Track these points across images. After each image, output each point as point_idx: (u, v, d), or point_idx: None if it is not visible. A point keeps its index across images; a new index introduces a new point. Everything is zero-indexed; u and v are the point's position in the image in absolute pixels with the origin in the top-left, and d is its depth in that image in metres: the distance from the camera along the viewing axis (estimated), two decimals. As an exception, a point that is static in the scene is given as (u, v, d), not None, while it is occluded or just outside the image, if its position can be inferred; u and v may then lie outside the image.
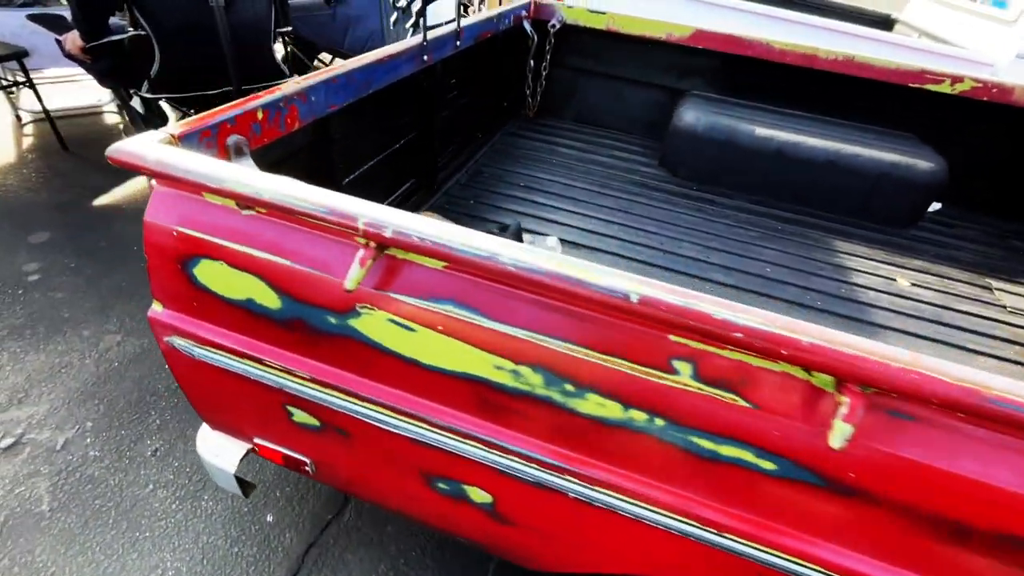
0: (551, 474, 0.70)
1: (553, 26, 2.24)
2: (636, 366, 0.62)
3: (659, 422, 0.63)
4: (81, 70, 2.54)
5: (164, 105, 2.34)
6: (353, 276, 0.63)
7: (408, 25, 1.48)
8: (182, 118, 2.60)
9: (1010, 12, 2.78)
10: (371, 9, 3.13)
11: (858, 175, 1.93)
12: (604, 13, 2.19)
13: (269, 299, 0.74)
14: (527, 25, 2.19)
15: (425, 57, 1.47)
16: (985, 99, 1.91)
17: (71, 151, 3.02)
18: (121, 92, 2.59)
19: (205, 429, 1.08)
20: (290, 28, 2.59)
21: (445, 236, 0.59)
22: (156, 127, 2.74)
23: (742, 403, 0.59)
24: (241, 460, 1.04)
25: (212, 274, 0.75)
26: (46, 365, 1.80)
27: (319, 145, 1.18)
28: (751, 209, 1.99)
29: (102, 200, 2.66)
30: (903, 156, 1.90)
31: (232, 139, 0.84)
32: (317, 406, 0.81)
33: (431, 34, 1.52)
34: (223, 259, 0.73)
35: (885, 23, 4.20)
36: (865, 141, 1.95)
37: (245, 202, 0.67)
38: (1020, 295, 1.71)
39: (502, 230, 1.49)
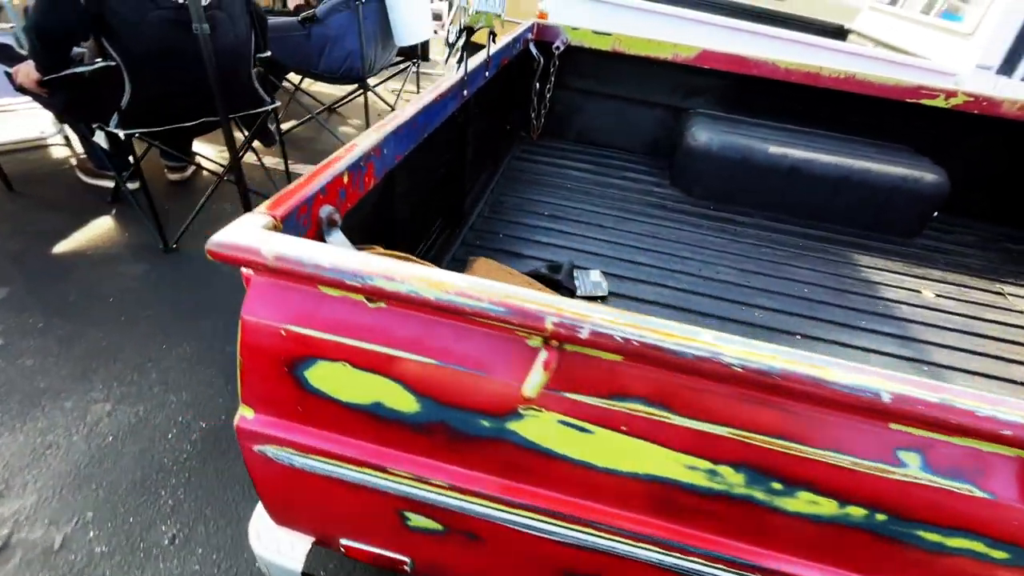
0: (744, 575, 0.63)
1: (558, 48, 2.19)
2: (858, 460, 0.56)
3: (880, 517, 0.57)
4: (24, 99, 2.28)
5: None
6: (535, 383, 0.55)
7: (450, 59, 1.38)
8: (147, 151, 2.38)
9: (966, 25, 2.97)
10: (349, 30, 2.98)
11: (870, 189, 1.99)
12: (610, 34, 2.17)
13: (403, 402, 0.63)
14: (532, 48, 2.14)
15: (465, 92, 1.38)
16: (976, 112, 2.01)
17: (16, 190, 2.70)
18: (81, 127, 2.33)
19: (259, 523, 0.94)
20: (269, 53, 2.42)
21: (653, 336, 0.52)
22: (121, 165, 2.49)
23: (978, 493, 0.55)
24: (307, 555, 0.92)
25: (330, 377, 0.64)
26: (26, 448, 1.57)
27: (384, 200, 1.07)
28: (770, 227, 2.01)
29: (62, 246, 2.38)
30: (910, 170, 1.97)
31: (325, 211, 0.73)
32: (446, 512, 0.71)
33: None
34: (347, 360, 0.62)
35: (839, 33, 4.44)
36: (872, 156, 2.01)
37: (394, 301, 0.57)
38: (1029, 299, 1.80)
39: (553, 270, 1.42)
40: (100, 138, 2.22)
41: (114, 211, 2.66)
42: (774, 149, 2.00)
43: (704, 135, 2.06)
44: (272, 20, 2.81)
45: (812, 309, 1.58)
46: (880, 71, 2.97)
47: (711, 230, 1.94)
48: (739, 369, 0.51)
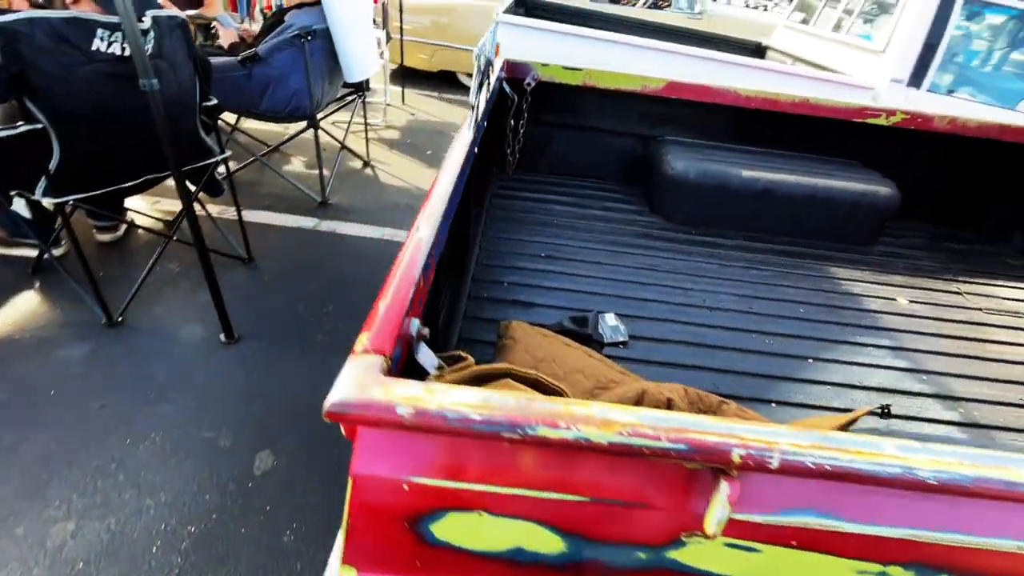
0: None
1: (529, 84, 2.18)
2: None
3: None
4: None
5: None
6: (719, 519, 0.50)
7: (470, 121, 1.32)
8: (73, 211, 2.09)
9: (878, 43, 3.29)
10: (294, 67, 2.82)
11: (834, 205, 2.12)
12: (580, 69, 2.19)
13: (547, 543, 0.57)
14: (505, 86, 2.11)
15: (476, 147, 1.32)
16: (913, 128, 2.21)
17: (-94, 271, 2.30)
18: (-3, 196, 2.03)
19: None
20: (215, 102, 2.24)
21: (845, 457, 0.49)
22: (43, 232, 2.19)
23: None
24: None
25: (460, 527, 0.56)
26: (-27, 596, 1.31)
27: (434, 287, 0.98)
28: (751, 247, 2.09)
29: (-21, 334, 2.05)
30: (867, 184, 2.12)
31: (414, 327, 0.65)
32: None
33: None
34: (485, 508, 0.55)
35: (758, 51, 4.78)
36: (832, 174, 2.15)
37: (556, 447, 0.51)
38: (981, 295, 1.98)
39: (578, 322, 1.38)
40: (21, 206, 1.94)
41: (38, 284, 2.33)
42: (747, 173, 2.09)
43: (681, 163, 2.12)
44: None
45: (813, 329, 1.65)
46: (808, 87, 3.24)
47: (700, 256, 1.98)
48: (933, 483, 0.49)
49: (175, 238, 2.31)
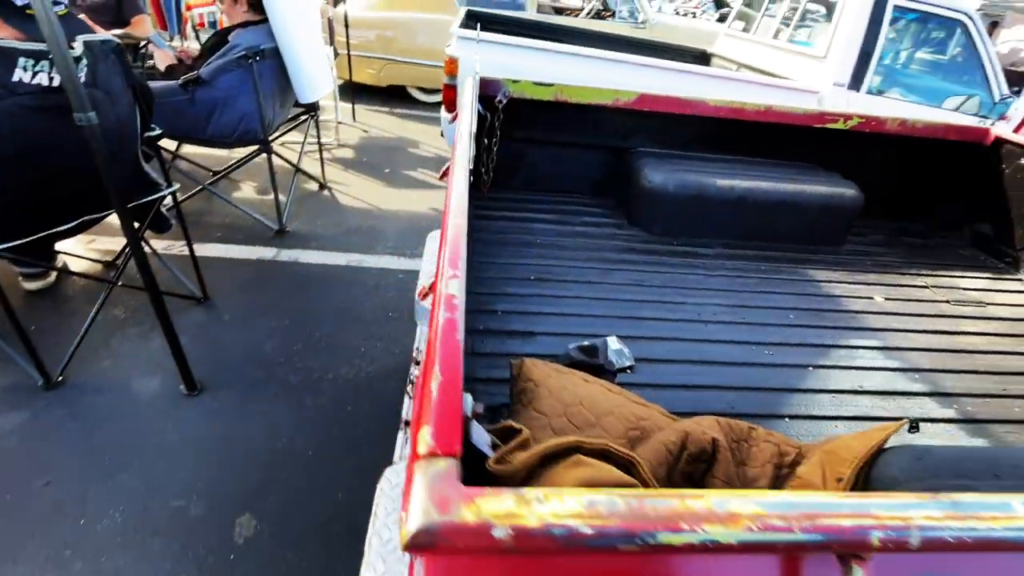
0: None
1: (500, 101, 2.12)
2: None
3: None
4: None
5: None
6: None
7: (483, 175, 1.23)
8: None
9: (819, 50, 3.45)
10: (242, 89, 2.64)
11: (805, 208, 2.18)
12: (551, 85, 2.15)
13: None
14: (478, 104, 2.04)
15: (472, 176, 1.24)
16: (867, 131, 2.31)
17: None
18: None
19: None
20: (159, 131, 2.05)
21: (984, 526, 0.45)
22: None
23: None
24: None
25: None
26: None
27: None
28: (731, 255, 2.11)
29: None
30: (833, 187, 2.20)
31: (469, 406, 0.56)
32: None
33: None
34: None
35: (703, 58, 4.94)
36: (799, 178, 2.21)
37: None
38: (944, 287, 2.08)
39: (587, 352, 1.32)
40: (-69, 260, 1.69)
41: (-46, 345, 2.04)
42: (722, 182, 2.11)
43: (658, 175, 2.11)
44: (146, 86, 2.39)
45: (804, 336, 1.67)
46: (760, 93, 3.36)
47: (685, 268, 1.98)
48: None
49: (119, 282, 2.09)
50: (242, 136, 2.78)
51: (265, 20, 2.61)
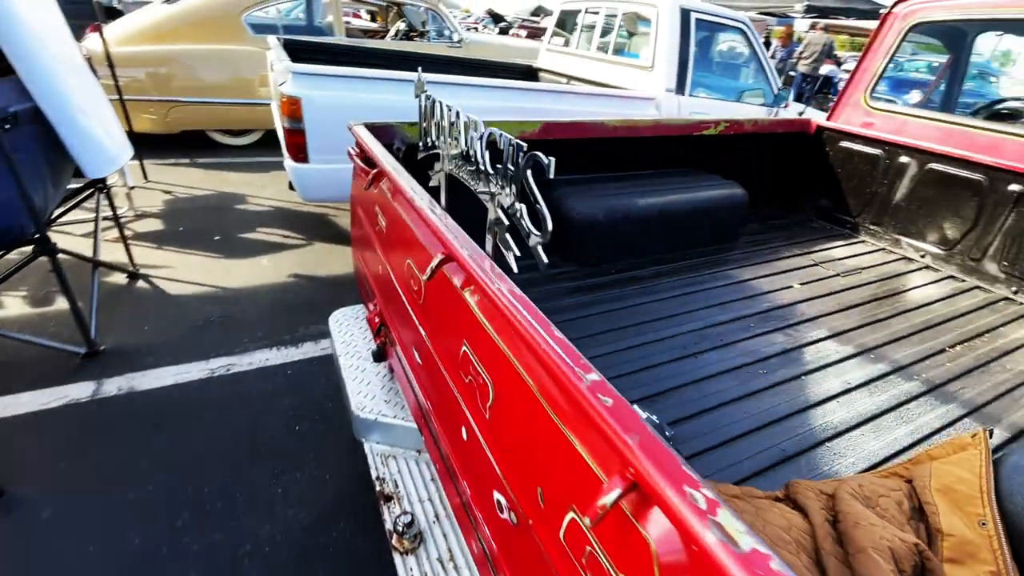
0: None
1: (398, 149, 1.78)
2: None
3: None
4: None
5: None
6: None
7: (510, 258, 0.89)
8: None
9: (646, 60, 3.76)
10: (-10, 171, 1.80)
11: (710, 212, 2.29)
12: (453, 123, 1.87)
13: None
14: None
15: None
16: (733, 133, 2.52)
17: None
18: None
19: None
20: None
21: None
22: None
23: None
24: None
25: None
26: None
27: None
28: (667, 271, 2.10)
29: None
30: (723, 189, 2.34)
31: None
32: None
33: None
34: None
35: (531, 73, 5.09)
36: (694, 185, 2.31)
37: None
38: (825, 261, 2.37)
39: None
40: None
41: None
42: (643, 200, 2.09)
43: (583, 205, 2.00)
44: None
45: (771, 343, 1.70)
46: (610, 104, 3.53)
47: (638, 297, 1.90)
48: None
49: None
50: (3, 235, 1.91)
51: (10, 72, 1.81)
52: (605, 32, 4.30)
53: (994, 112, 3.79)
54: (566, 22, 4.87)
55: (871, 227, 2.65)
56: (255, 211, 3.90)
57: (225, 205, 3.93)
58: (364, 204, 1.66)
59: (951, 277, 2.31)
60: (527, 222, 0.78)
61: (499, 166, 0.82)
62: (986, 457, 0.96)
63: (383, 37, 7.34)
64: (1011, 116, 3.63)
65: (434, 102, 1.10)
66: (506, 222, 0.83)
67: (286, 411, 2.09)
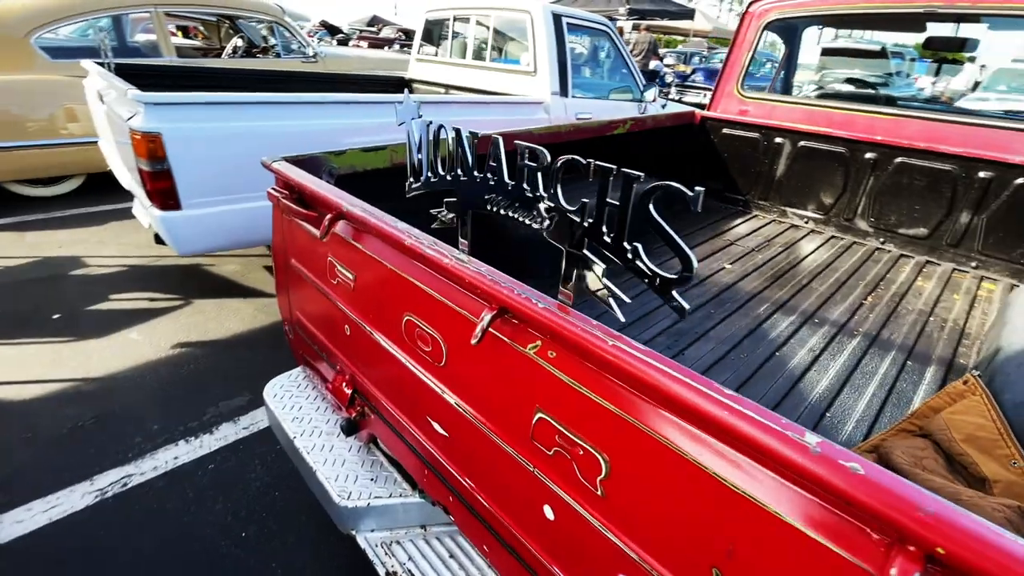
0: None
1: (328, 179, 1.52)
2: None
3: None
4: None
5: None
6: None
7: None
8: None
9: (527, 66, 3.79)
10: None
11: (637, 209, 2.35)
12: (384, 148, 1.65)
13: None
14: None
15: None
16: (638, 130, 2.63)
17: None
18: None
19: None
20: None
21: None
22: None
23: None
24: None
25: None
26: None
27: None
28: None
29: None
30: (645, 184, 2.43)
31: None
32: None
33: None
34: None
35: (403, 85, 4.88)
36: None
37: None
38: (737, 239, 2.58)
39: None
40: None
41: None
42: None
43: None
44: None
45: (735, 327, 1.78)
46: (504, 111, 3.49)
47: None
48: None
49: None
50: None
51: None
52: (479, 39, 4.26)
53: (840, 91, 4.49)
54: (433, 31, 4.74)
55: (760, 202, 2.96)
56: (101, 275, 3.16)
57: (56, 274, 3.13)
58: (305, 254, 1.39)
59: (833, 237, 2.67)
60: (647, 261, 0.66)
61: (587, 201, 0.70)
62: (988, 400, 1.08)
63: (217, 56, 6.50)
64: (856, 96, 4.34)
65: (439, 128, 0.93)
66: (596, 262, 0.71)
67: (223, 518, 1.70)
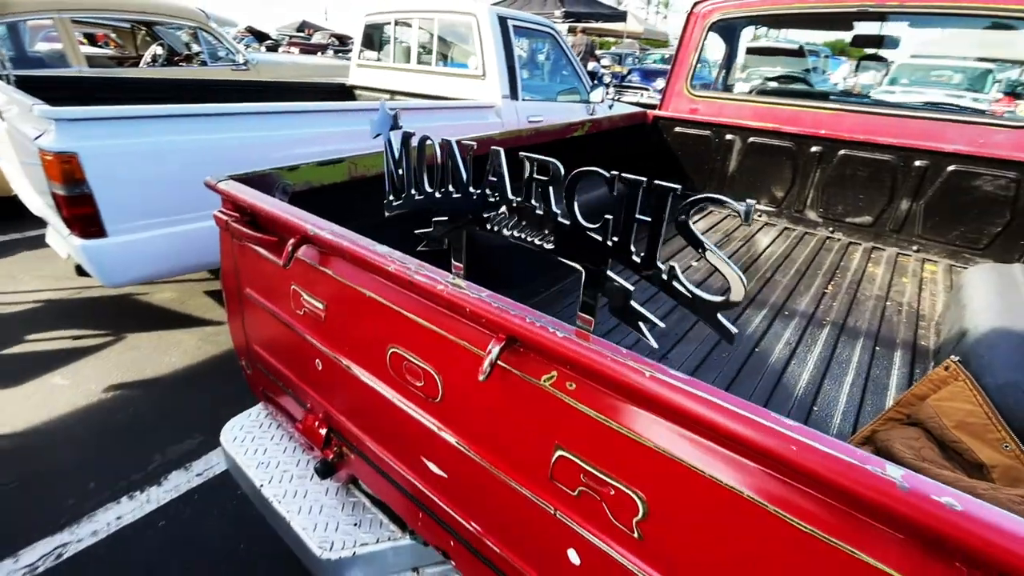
0: None
1: (281, 197, 1.38)
2: None
3: None
4: None
5: None
6: None
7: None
8: None
9: (476, 70, 3.71)
10: None
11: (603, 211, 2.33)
12: (342, 160, 1.52)
13: None
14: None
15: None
16: (595, 131, 2.62)
17: None
18: None
19: None
20: None
21: None
22: None
23: None
24: None
25: None
26: None
27: None
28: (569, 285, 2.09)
29: None
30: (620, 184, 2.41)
31: None
32: None
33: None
34: None
35: (343, 91, 4.68)
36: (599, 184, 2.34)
37: None
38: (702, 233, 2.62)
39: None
40: None
41: None
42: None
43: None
44: None
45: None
46: (456, 116, 3.39)
47: (563, 305, 1.83)
48: None
49: None
50: None
51: None
52: (423, 43, 4.14)
53: (780, 88, 4.67)
54: (373, 36, 4.58)
55: (715, 198, 3.02)
56: (14, 313, 2.80)
57: (-43, 316, 2.74)
58: (262, 282, 1.25)
59: (786, 229, 2.76)
60: (686, 282, 0.60)
61: (609, 217, 0.63)
62: (973, 385, 1.11)
63: (135, 65, 6.00)
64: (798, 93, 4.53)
65: (424, 139, 0.83)
66: (624, 284, 0.64)
67: (181, 581, 1.51)
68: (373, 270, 0.87)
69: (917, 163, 2.37)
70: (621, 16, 13.69)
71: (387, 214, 0.92)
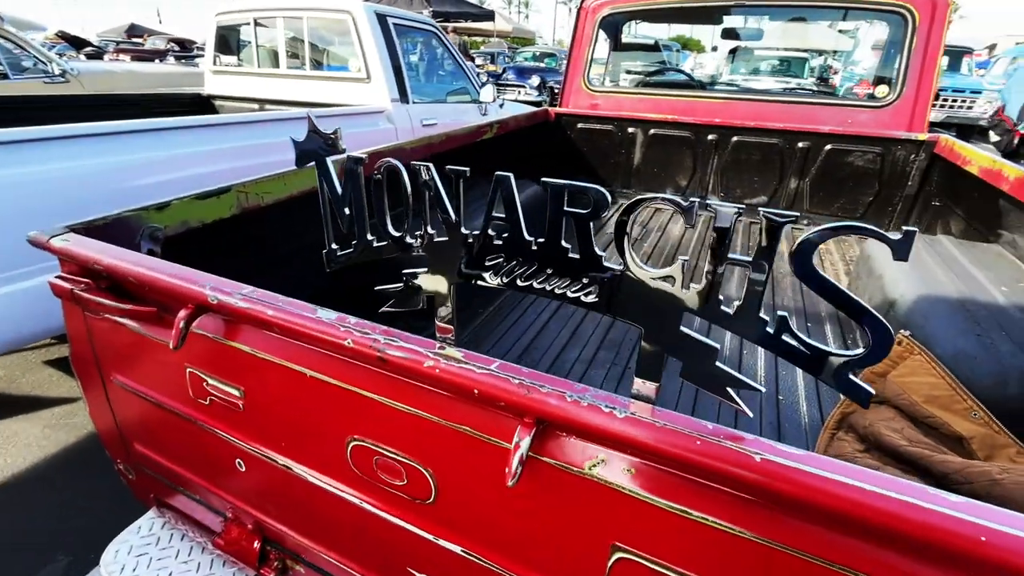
0: None
1: (151, 251, 1.05)
2: None
3: None
4: None
5: None
6: None
7: None
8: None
9: (358, 72, 3.39)
10: None
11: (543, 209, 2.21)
12: (228, 190, 1.21)
13: None
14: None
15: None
16: (502, 132, 2.49)
17: None
18: None
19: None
20: None
21: None
22: None
23: None
24: None
25: None
26: None
27: None
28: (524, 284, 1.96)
29: None
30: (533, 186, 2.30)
31: None
32: None
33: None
34: None
35: (200, 103, 4.07)
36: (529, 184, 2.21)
37: None
38: (635, 226, 2.62)
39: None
40: None
41: None
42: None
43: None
44: None
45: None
46: (336, 125, 3.05)
47: (521, 306, 1.70)
48: None
49: None
50: None
51: None
52: (291, 45, 3.70)
53: (667, 80, 4.86)
54: (229, 38, 4.01)
55: (623, 191, 3.05)
56: None
57: None
58: (140, 366, 0.92)
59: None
60: (800, 335, 0.45)
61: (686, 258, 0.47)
62: (931, 358, 1.15)
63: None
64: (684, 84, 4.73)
65: (387, 166, 0.61)
66: (707, 342, 0.48)
67: None
68: (319, 345, 0.64)
69: (800, 144, 2.57)
70: (489, 15, 13.78)
71: (328, 269, 0.68)
